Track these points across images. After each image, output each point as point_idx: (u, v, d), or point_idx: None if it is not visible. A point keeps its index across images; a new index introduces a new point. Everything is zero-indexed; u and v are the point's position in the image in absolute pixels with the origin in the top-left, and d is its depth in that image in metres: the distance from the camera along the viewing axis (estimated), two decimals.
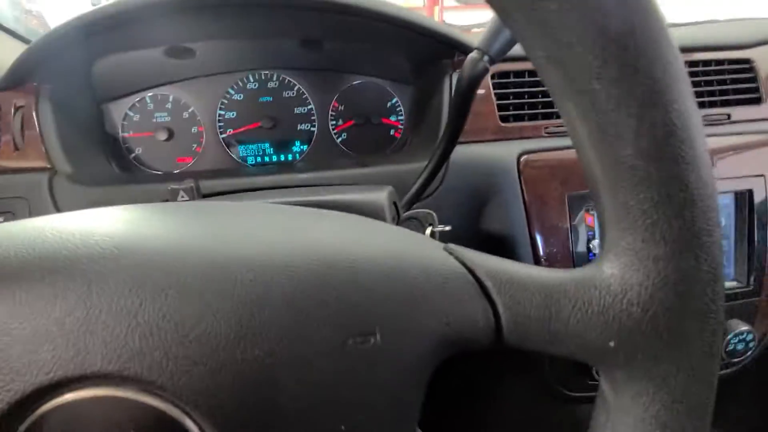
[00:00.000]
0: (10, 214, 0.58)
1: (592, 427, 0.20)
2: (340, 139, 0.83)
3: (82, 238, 0.16)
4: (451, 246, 0.21)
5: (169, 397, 0.15)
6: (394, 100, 0.83)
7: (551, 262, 0.63)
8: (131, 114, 0.75)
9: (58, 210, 0.58)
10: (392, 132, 0.84)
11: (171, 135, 0.75)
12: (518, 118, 0.70)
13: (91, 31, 0.55)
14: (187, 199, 0.46)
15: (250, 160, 0.81)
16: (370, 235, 0.21)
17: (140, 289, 0.15)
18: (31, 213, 0.57)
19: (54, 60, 0.57)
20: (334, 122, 0.82)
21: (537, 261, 0.63)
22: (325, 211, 0.22)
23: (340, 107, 0.82)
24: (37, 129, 0.59)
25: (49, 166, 0.60)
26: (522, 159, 0.67)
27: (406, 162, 0.66)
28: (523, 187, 0.66)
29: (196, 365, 0.15)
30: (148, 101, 0.75)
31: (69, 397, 0.15)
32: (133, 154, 0.75)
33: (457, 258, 0.20)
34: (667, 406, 0.18)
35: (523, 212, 0.61)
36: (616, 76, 0.15)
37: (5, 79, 0.59)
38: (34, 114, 0.60)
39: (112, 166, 0.72)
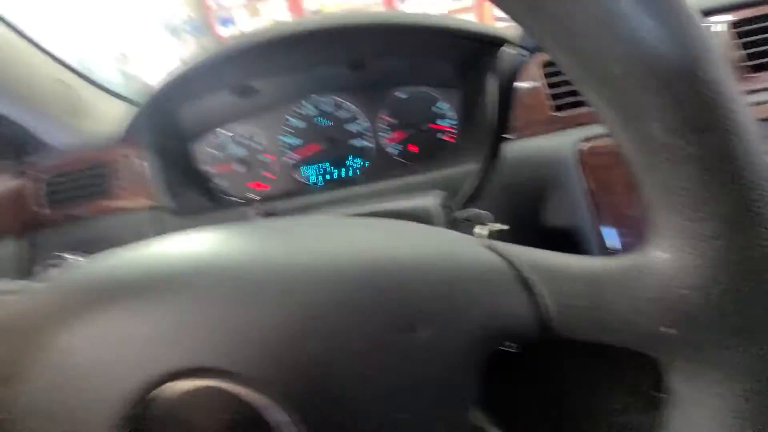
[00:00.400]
0: None
1: (666, 424, 0.19)
2: (393, 150, 0.86)
3: (186, 257, 0.20)
4: (493, 242, 0.21)
5: (260, 387, 0.17)
6: (441, 105, 0.84)
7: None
8: (210, 150, 0.85)
9: None
10: (442, 136, 0.85)
11: (246, 165, 0.83)
12: (575, 105, 0.68)
13: (179, 86, 0.64)
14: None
15: (314, 180, 0.87)
16: (414, 240, 0.22)
17: (234, 298, 0.18)
18: None
19: (147, 120, 0.67)
20: (385, 135, 0.86)
21: (606, 254, 0.60)
22: (375, 220, 0.24)
23: (389, 120, 0.85)
24: (144, 173, 0.71)
25: (155, 203, 0.70)
26: (582, 147, 0.64)
27: (458, 164, 0.67)
28: (586, 176, 0.63)
29: (282, 362, 0.17)
30: (222, 137, 0.85)
31: (179, 386, 0.18)
32: (217, 185, 0.85)
33: (498, 253, 0.20)
34: (746, 395, 0.16)
35: (586, 203, 0.58)
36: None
37: (123, 139, 0.71)
38: (140, 161, 0.71)
39: (203, 198, 0.82)
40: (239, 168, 0.82)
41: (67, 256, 0.66)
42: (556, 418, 0.64)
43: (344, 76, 0.78)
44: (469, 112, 0.77)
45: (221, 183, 0.84)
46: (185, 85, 0.67)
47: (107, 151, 0.71)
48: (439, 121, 0.84)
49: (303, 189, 0.81)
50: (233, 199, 0.84)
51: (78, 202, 0.71)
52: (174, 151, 0.79)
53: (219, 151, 0.84)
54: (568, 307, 0.19)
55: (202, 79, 0.68)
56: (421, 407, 0.19)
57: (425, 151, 0.85)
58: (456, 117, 0.82)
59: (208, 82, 0.69)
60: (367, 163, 0.82)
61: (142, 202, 0.71)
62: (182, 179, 0.79)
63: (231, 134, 0.83)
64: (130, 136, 0.69)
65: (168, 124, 0.75)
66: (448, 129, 0.84)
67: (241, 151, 0.83)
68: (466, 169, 0.61)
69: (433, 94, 0.83)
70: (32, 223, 0.74)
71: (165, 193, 0.68)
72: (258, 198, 0.82)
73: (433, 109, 0.84)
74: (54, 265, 0.66)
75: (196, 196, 0.81)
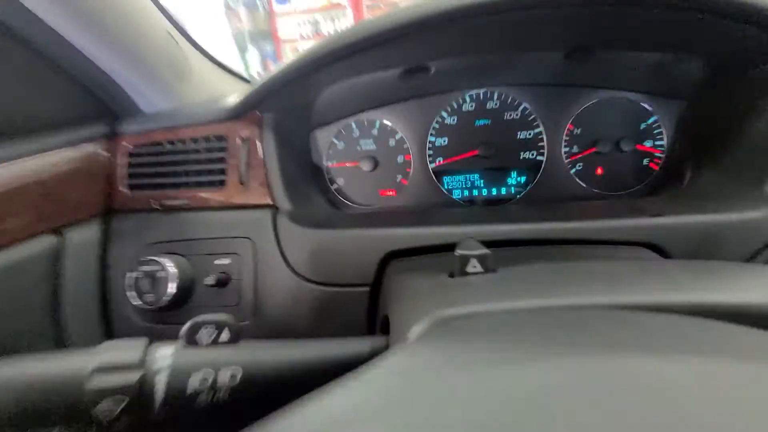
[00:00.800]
0: (236, 256, 0.52)
1: None
2: (574, 170, 0.65)
3: None
4: None
5: None
6: (652, 120, 0.63)
7: None
8: (336, 142, 0.67)
9: (282, 252, 0.50)
10: (645, 162, 0.63)
11: (376, 165, 0.65)
12: None
13: (325, 62, 0.46)
14: (481, 270, 0.33)
15: (457, 194, 0.68)
16: None
17: None
18: (257, 254, 0.51)
19: (283, 91, 0.50)
20: (568, 149, 0.65)
21: None
22: None
23: (576, 130, 0.65)
24: (262, 162, 0.53)
25: (271, 203, 0.53)
26: None
27: (706, 209, 0.45)
28: None
29: None
30: (354, 127, 0.66)
31: None
32: (335, 185, 0.67)
33: None
34: None
35: None
36: None
37: (234, 109, 0.54)
38: (259, 145, 0.54)
39: (323, 200, 0.65)
40: (367, 167, 0.64)
41: (162, 260, 0.50)
42: None
43: (549, 66, 0.58)
44: (705, 133, 0.55)
45: (339, 182, 0.69)
46: (342, 57, 0.49)
47: (221, 127, 0.54)
48: (648, 143, 0.63)
49: (441, 203, 0.67)
50: (354, 205, 0.65)
51: (175, 187, 0.54)
52: (298, 137, 0.61)
53: (345, 142, 0.67)
54: None
55: (370, 54, 0.50)
56: None
57: (619, 178, 0.64)
58: (675, 138, 0.61)
59: (376, 58, 0.51)
60: (532, 183, 0.64)
61: (254, 198, 0.54)
62: (300, 174, 0.62)
63: (364, 123, 0.66)
64: (251, 109, 0.52)
65: (299, 104, 0.57)
66: (658, 154, 0.63)
67: (372, 148, 0.66)
68: (727, 220, 0.41)
69: (647, 105, 0.62)
70: (117, 206, 0.58)
71: (282, 190, 0.53)
72: (383, 207, 0.68)
73: (643, 125, 0.63)
74: (147, 271, 0.50)
75: (315, 197, 0.64)
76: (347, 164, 0.68)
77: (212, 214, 0.54)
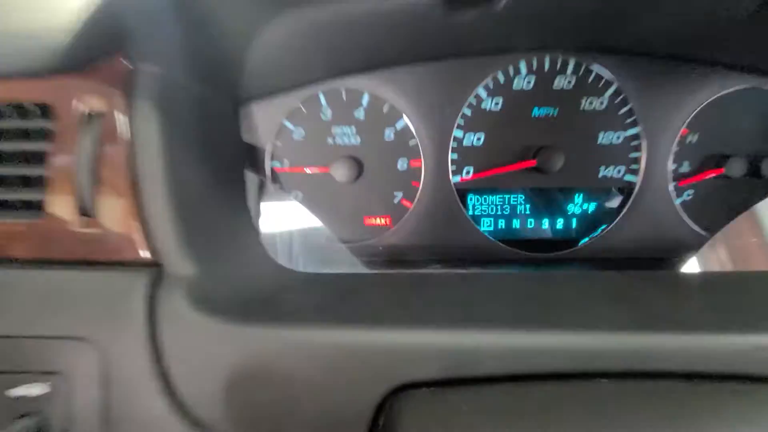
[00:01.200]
0: (57, 378, 0.25)
1: None
2: (680, 200, 0.41)
3: None
4: None
5: None
6: None
7: None
8: (291, 127, 0.38)
9: (164, 374, 0.27)
10: None
11: (359, 172, 0.38)
12: None
13: None
14: None
15: (486, 227, 0.42)
16: None
17: None
18: (105, 375, 0.26)
19: (180, 9, 0.21)
20: (676, 167, 0.41)
21: None
22: None
23: (692, 138, 0.41)
24: (129, 163, 0.25)
25: (148, 256, 0.26)
26: None
27: None
28: None
29: None
30: (323, 102, 0.38)
31: None
32: (284, 202, 0.39)
33: None
34: None
35: None
36: None
37: (71, 51, 0.27)
38: (123, 125, 0.25)
39: (259, 244, 0.35)
40: (343, 174, 0.42)
41: None
42: None
43: (683, 22, 0.32)
44: None
45: (301, 200, 0.44)
46: None
47: (43, 87, 0.28)
48: None
49: (461, 245, 0.45)
50: (317, 247, 0.40)
51: None
52: (210, 118, 0.32)
53: (310, 132, 0.44)
54: None
55: None
56: None
57: (728, 210, 0.41)
58: None
59: None
60: (614, 221, 0.45)
61: (110, 243, 0.24)
62: (216, 191, 0.32)
63: (345, 98, 0.43)
64: (108, 51, 0.27)
65: (215, 52, 0.33)
66: None
67: (354, 141, 0.44)
68: None
69: None
70: None
71: (176, 227, 0.28)
72: (372, 255, 0.45)
73: None
74: None
75: (244, 237, 0.34)
76: (309, 169, 0.40)
77: (13, 275, 0.27)
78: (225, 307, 0.28)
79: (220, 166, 0.35)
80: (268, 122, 0.42)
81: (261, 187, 0.41)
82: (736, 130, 0.42)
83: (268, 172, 0.42)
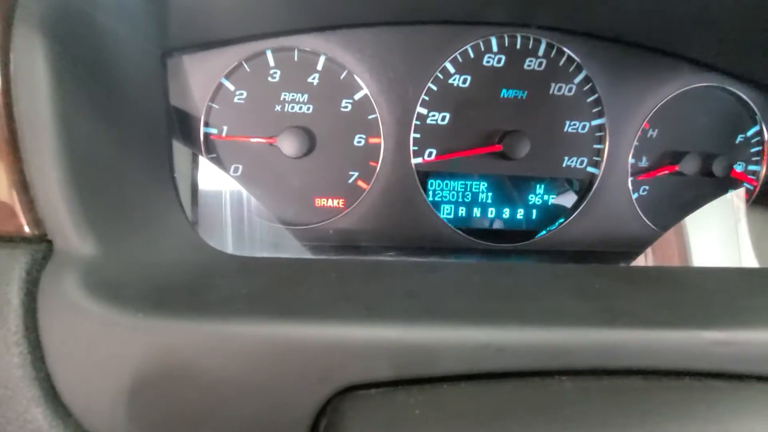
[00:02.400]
0: None
1: None
2: (636, 194, 0.41)
3: None
4: None
5: None
6: (753, 132, 0.41)
7: None
8: (230, 87, 0.33)
9: (49, 378, 0.23)
10: (730, 195, 0.42)
11: (311, 146, 0.34)
12: None
13: None
14: None
15: (447, 213, 0.40)
16: None
17: None
18: None
19: None
20: (634, 161, 0.40)
21: None
22: None
23: (652, 132, 0.40)
24: (6, 113, 0.18)
25: (34, 230, 0.22)
26: None
27: None
28: None
29: None
30: (271, 61, 0.33)
31: None
32: (223, 177, 0.34)
33: None
34: None
35: None
36: None
37: None
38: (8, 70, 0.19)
39: (183, 220, 0.30)
40: (291, 147, 0.37)
41: None
42: None
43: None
44: None
45: (240, 175, 0.39)
46: None
47: None
48: (739, 166, 0.42)
49: (421, 233, 0.42)
50: (261, 227, 0.35)
51: None
52: (125, 68, 0.26)
53: (254, 96, 0.38)
54: None
55: None
56: None
57: (679, 207, 0.43)
58: None
59: None
60: (574, 213, 0.43)
61: None
62: (129, 153, 0.27)
63: (297, 59, 0.38)
64: None
65: None
66: (747, 184, 0.42)
67: (305, 109, 0.39)
68: None
69: (753, 105, 0.40)
70: None
71: (71, 192, 0.22)
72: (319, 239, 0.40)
73: (740, 138, 0.41)
74: None
75: (162, 212, 0.29)
76: (252, 139, 0.35)
77: None
78: (133, 294, 0.23)
79: (137, 125, 0.29)
80: (202, 80, 0.36)
81: (193, 157, 0.35)
82: (694, 127, 0.42)
83: (201, 139, 0.36)
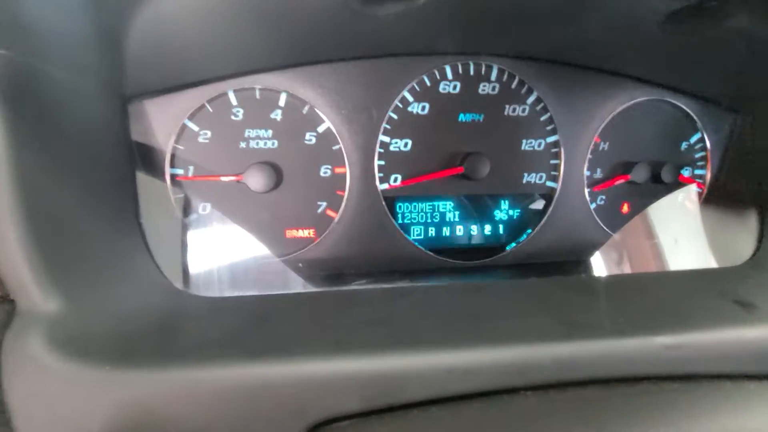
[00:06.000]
0: None
1: None
2: (594, 205, 0.43)
3: None
4: None
5: None
6: (696, 139, 0.44)
7: None
8: (194, 128, 0.34)
9: None
10: (681, 198, 0.45)
11: (278, 180, 0.35)
12: None
13: None
14: None
15: (417, 235, 0.41)
16: None
17: None
18: None
19: None
20: (589, 174, 0.42)
21: None
22: None
23: (603, 145, 0.43)
24: None
25: None
26: None
27: None
28: None
29: None
30: (234, 101, 0.34)
31: None
32: (192, 217, 0.34)
33: None
34: None
35: None
36: None
37: None
38: None
39: (151, 264, 0.30)
40: (258, 182, 0.38)
41: None
42: None
43: (600, 27, 0.33)
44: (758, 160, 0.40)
45: (201, 210, 0.38)
46: None
47: None
48: (686, 171, 0.44)
49: (391, 256, 0.43)
50: (230, 265, 0.36)
51: None
52: (87, 114, 0.26)
53: (218, 135, 0.39)
54: None
55: None
56: None
57: (633, 214, 0.46)
58: (719, 166, 0.44)
59: None
60: (538, 225, 0.45)
61: None
62: (91, 200, 0.27)
63: (259, 98, 0.39)
64: None
65: (88, 33, 0.23)
66: (695, 187, 0.45)
67: (270, 144, 0.39)
68: None
69: (693, 115, 0.43)
70: None
71: (33, 249, 0.22)
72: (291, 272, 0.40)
73: (684, 145, 0.44)
74: None
75: (128, 258, 0.29)
76: (221, 177, 0.35)
77: None
78: (99, 346, 0.23)
79: (99, 174, 0.29)
80: (166, 122, 0.36)
81: (160, 200, 0.36)
82: (641, 138, 0.45)
83: (167, 180, 0.37)
